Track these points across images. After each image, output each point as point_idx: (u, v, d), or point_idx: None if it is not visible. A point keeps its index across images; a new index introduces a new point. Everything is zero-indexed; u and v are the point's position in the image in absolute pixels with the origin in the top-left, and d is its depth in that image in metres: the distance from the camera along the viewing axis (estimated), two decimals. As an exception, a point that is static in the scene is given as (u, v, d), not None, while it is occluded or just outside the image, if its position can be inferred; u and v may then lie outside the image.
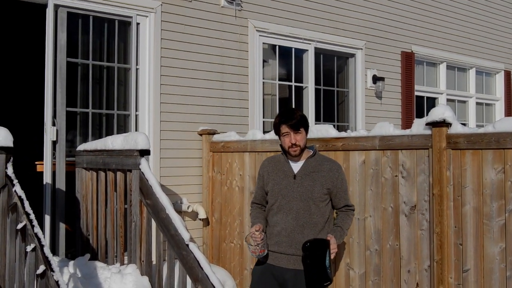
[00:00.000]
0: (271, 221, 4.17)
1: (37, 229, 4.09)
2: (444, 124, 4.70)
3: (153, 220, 5.06)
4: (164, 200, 4.88)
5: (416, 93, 9.92)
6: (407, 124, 9.31)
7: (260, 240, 4.03)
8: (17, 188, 4.35)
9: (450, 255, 4.70)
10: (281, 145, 4.24)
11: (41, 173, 6.19)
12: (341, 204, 4.24)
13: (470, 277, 4.58)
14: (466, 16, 10.85)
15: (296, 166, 4.18)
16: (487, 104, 11.72)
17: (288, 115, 4.13)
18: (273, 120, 7.96)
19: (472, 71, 11.20)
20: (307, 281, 3.85)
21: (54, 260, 3.97)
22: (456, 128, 4.69)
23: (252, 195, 5.03)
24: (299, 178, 4.13)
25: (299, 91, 8.43)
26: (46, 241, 4.33)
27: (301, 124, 4.11)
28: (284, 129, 4.11)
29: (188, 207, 6.84)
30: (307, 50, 8.40)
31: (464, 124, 5.81)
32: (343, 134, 5.63)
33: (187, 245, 4.61)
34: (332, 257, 3.92)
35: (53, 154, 6.14)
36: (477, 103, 11.37)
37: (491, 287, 4.43)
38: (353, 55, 9.06)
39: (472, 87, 11.26)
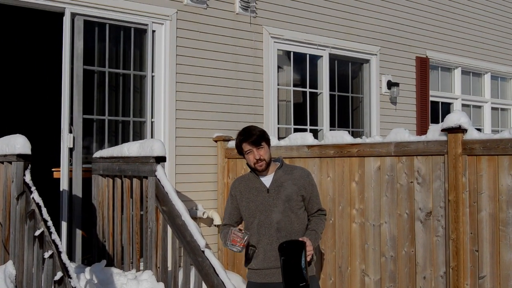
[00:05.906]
0: (253, 240, 4.09)
1: (54, 236, 4.14)
2: (459, 130, 4.69)
3: (168, 227, 5.09)
4: (180, 206, 4.91)
5: (431, 99, 9.87)
6: (422, 129, 9.27)
7: (241, 238, 3.92)
8: (35, 195, 4.40)
9: (466, 261, 4.69)
10: (247, 164, 4.23)
11: (58, 179, 6.24)
12: (314, 209, 4.26)
13: (486, 283, 4.55)
14: (480, 21, 10.80)
15: (267, 180, 4.18)
16: (502, 109, 11.65)
17: (247, 133, 4.15)
18: (288, 126, 8.04)
19: (487, 76, 11.14)
20: (283, 281, 3.85)
21: (71, 267, 4.01)
22: (472, 134, 4.67)
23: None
24: (273, 191, 4.13)
25: (314, 97, 8.44)
26: (63, 247, 4.36)
27: (261, 139, 4.12)
28: (246, 147, 4.12)
29: (203, 214, 6.87)
30: (322, 56, 8.41)
31: (479, 130, 5.79)
32: (358, 140, 5.63)
33: (203, 251, 4.63)
34: (308, 259, 3.91)
35: (70, 161, 6.20)
36: (493, 108, 11.31)
37: (508, 294, 4.41)
38: (367, 61, 9.05)
39: (487, 92, 11.19)
